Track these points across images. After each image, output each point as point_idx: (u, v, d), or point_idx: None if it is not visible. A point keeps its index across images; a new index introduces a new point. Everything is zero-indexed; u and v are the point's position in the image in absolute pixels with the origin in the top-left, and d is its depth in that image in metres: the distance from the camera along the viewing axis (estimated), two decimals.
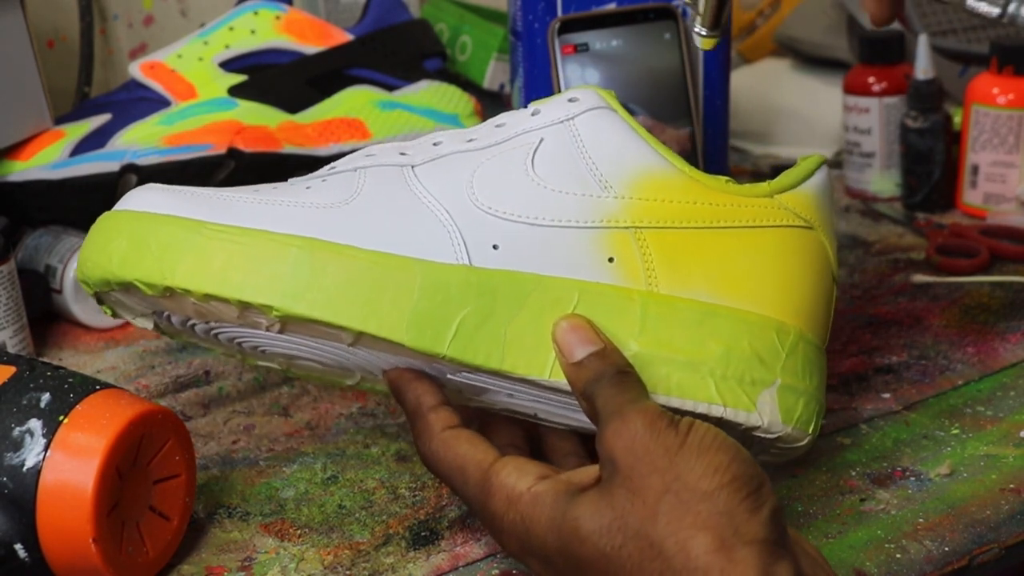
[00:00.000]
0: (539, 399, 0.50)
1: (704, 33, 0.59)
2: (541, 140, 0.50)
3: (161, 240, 0.46)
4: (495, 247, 0.48)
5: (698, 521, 0.39)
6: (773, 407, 0.48)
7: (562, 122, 0.51)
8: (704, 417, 0.47)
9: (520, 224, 0.48)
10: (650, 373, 0.47)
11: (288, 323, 0.47)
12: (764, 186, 0.51)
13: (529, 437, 0.53)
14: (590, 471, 0.44)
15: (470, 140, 0.51)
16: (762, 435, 0.49)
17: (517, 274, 0.47)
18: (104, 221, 0.49)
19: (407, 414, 0.49)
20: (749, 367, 0.48)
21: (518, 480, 0.44)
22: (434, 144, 0.51)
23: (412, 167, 0.50)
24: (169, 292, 0.46)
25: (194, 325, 0.51)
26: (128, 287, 0.47)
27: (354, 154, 0.52)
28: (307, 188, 0.49)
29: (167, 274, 0.46)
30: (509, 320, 0.47)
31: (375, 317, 0.46)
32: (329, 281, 0.46)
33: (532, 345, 0.47)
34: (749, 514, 0.40)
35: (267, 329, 0.48)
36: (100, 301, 0.51)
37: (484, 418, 0.53)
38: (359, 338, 0.47)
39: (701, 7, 0.58)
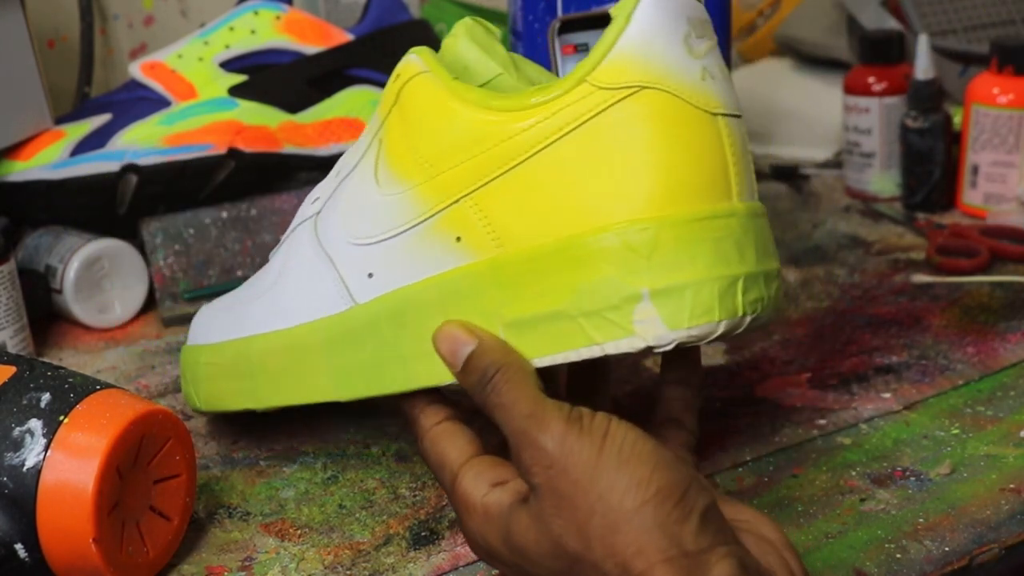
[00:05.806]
0: None
1: None
2: (380, 144, 0.49)
3: (185, 376, 0.58)
4: (370, 275, 0.49)
5: (628, 539, 0.39)
6: (653, 319, 0.43)
7: (386, 118, 0.49)
8: (590, 360, 0.45)
9: (380, 244, 0.48)
10: (524, 341, 0.45)
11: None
12: (575, 72, 0.44)
13: None
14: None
15: (337, 173, 0.52)
16: (661, 350, 0.44)
17: (387, 296, 0.48)
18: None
19: (405, 419, 0.49)
20: (609, 291, 0.43)
21: (474, 489, 0.44)
22: (335, 174, 0.52)
23: (316, 215, 0.52)
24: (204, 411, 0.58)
25: None
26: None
27: (305, 201, 0.54)
28: (269, 264, 0.55)
29: (192, 402, 0.58)
30: (398, 342, 0.48)
31: (306, 389, 0.51)
32: (268, 374, 0.53)
33: (428, 354, 0.46)
34: (678, 525, 0.39)
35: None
36: None
37: (482, 419, 0.53)
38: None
39: None
